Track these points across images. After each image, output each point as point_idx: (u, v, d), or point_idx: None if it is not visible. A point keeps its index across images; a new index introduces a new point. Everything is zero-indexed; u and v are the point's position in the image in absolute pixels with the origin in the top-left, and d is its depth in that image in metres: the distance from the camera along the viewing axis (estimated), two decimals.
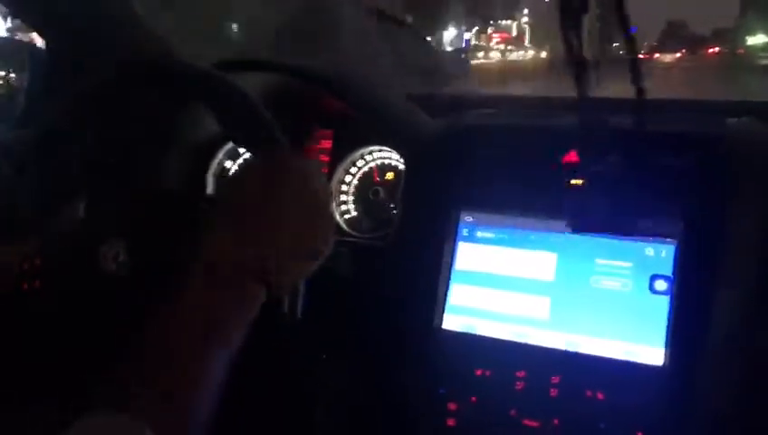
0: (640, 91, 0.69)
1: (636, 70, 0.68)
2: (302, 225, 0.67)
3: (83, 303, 0.80)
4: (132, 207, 0.89)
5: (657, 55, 19.12)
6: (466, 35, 34.31)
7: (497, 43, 36.74)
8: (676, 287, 0.81)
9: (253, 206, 0.66)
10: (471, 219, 0.92)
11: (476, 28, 35.91)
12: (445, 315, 0.90)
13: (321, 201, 0.70)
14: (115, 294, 0.80)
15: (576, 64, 0.68)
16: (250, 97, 0.75)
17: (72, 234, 0.86)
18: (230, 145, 1.18)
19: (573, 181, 0.88)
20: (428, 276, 0.92)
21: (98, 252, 0.82)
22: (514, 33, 40.86)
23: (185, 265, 0.64)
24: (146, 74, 0.83)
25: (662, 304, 0.81)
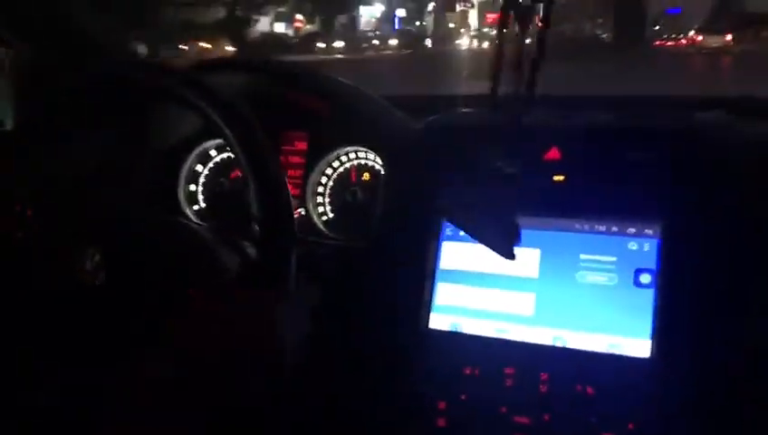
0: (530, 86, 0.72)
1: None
2: None
3: (56, 310, 0.78)
4: (107, 214, 0.86)
5: (700, 38, 15.88)
6: (400, 12, 27.92)
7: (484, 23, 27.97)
8: (660, 280, 0.82)
9: None
10: None
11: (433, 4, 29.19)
12: (431, 315, 0.90)
13: None
14: (89, 303, 0.77)
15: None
16: None
17: (42, 241, 0.83)
18: (201, 148, 1.16)
19: (556, 177, 0.88)
20: (413, 277, 0.91)
21: (72, 260, 0.79)
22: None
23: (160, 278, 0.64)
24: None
25: (647, 297, 0.82)
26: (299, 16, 24.22)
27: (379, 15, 28.04)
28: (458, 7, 29.05)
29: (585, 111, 0.98)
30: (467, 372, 0.87)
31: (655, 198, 0.84)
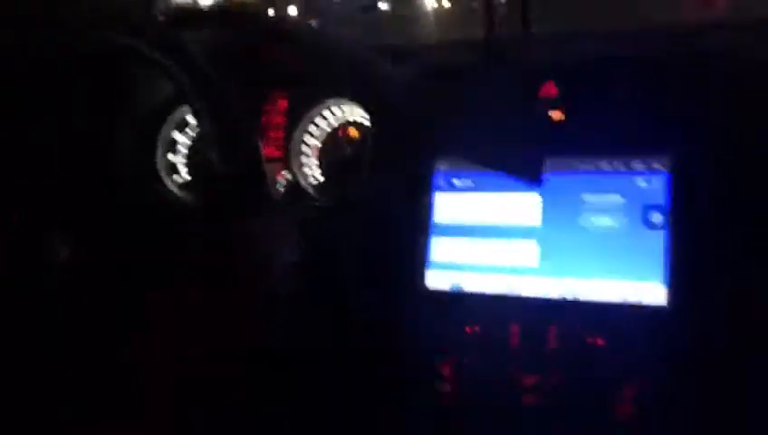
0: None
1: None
2: None
3: (23, 293, 0.72)
4: (78, 192, 0.81)
5: None
6: None
7: None
8: (673, 219, 0.75)
9: None
10: (446, 167, 0.85)
11: None
12: (428, 273, 0.84)
13: None
14: (58, 285, 0.72)
15: None
16: None
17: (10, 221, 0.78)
18: (178, 115, 1.09)
19: (553, 115, 0.81)
20: (406, 232, 0.85)
21: (40, 240, 0.74)
22: None
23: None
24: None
25: (659, 239, 0.75)
26: None
27: None
28: None
29: (583, 43, 0.90)
30: (469, 331, 0.80)
31: (662, 129, 0.77)
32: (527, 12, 0.69)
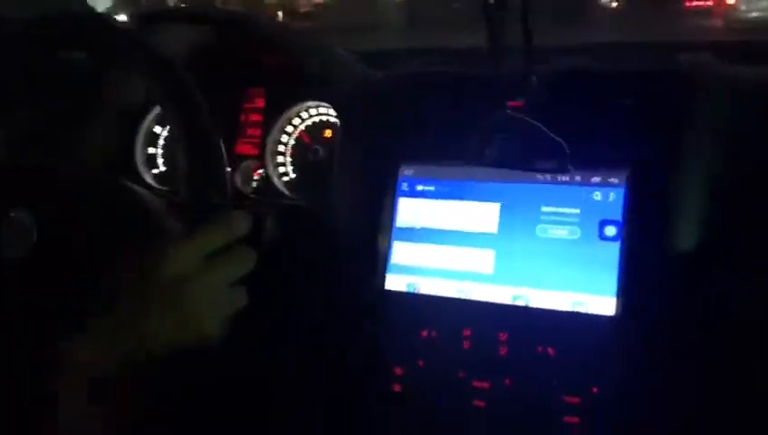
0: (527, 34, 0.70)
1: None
2: None
3: None
4: (43, 181, 0.81)
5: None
6: None
7: None
8: (627, 232, 0.76)
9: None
10: (411, 172, 0.86)
11: None
12: (387, 276, 0.85)
13: None
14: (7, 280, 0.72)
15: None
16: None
17: None
18: (159, 109, 1.11)
19: None
20: (368, 235, 0.86)
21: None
22: None
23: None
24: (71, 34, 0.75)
25: (613, 251, 0.76)
26: None
27: None
28: None
29: (553, 58, 0.91)
30: (425, 334, 0.82)
31: (620, 145, 0.78)
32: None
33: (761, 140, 0.77)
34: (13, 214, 0.72)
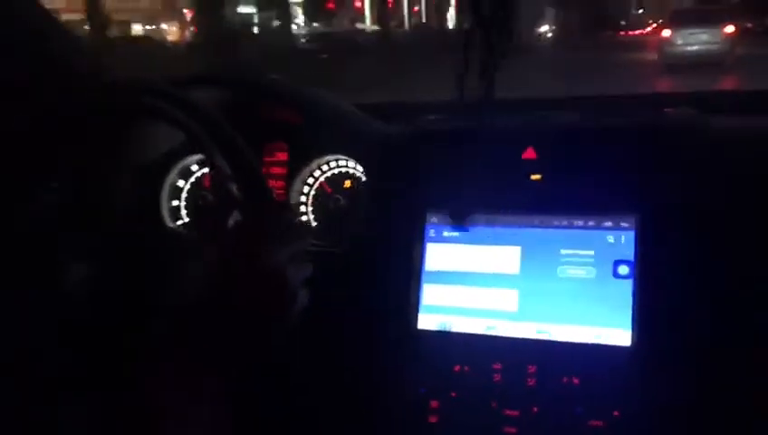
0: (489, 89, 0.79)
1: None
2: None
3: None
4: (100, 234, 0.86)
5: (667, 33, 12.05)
6: None
7: None
8: (638, 271, 0.85)
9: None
10: (436, 220, 0.94)
11: None
12: (419, 316, 0.93)
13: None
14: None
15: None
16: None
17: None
18: (182, 163, 1.17)
19: (533, 176, 0.91)
20: (400, 279, 0.94)
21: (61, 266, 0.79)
22: None
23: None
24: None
25: (626, 288, 0.86)
26: None
27: None
28: None
29: (559, 111, 1.01)
30: (457, 369, 0.89)
31: (629, 193, 0.88)
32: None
33: (751, 183, 0.87)
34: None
